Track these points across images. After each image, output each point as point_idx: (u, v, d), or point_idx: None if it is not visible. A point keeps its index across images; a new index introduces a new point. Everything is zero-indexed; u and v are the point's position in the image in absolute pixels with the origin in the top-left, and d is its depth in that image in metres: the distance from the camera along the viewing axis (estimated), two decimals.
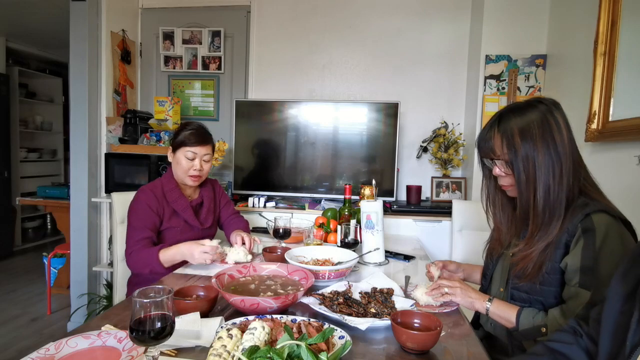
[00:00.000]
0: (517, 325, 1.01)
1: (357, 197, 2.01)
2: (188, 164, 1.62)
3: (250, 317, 0.93)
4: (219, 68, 3.03)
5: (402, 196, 2.73)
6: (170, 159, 1.69)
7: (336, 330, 0.88)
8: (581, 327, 0.78)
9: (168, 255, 1.47)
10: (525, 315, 1.00)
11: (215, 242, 1.46)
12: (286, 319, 0.93)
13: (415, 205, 2.55)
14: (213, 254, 1.43)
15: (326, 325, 0.90)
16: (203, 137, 1.65)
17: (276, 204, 2.62)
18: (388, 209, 2.47)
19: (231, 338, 0.79)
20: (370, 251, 1.55)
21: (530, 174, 0.99)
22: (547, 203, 0.98)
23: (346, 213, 1.94)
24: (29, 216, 5.04)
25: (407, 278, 1.29)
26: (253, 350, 0.72)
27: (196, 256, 1.42)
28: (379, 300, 1.09)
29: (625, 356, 0.60)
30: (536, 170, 0.98)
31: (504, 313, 1.04)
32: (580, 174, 1.01)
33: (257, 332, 0.79)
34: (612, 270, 0.90)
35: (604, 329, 0.68)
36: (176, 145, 1.64)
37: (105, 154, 2.71)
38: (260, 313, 0.97)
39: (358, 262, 1.51)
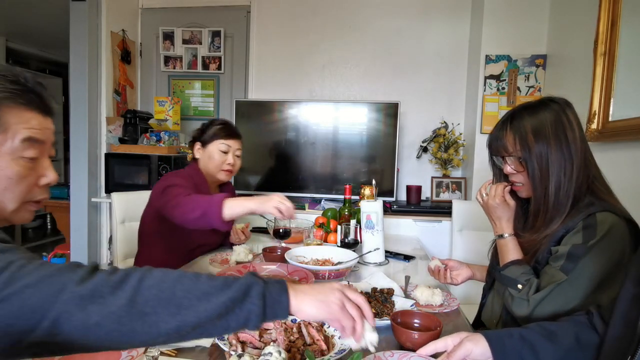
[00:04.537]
0: (504, 266, 1.05)
1: (357, 197, 2.00)
2: (221, 158, 1.61)
3: None
4: (219, 68, 3.03)
5: (402, 196, 2.73)
6: (198, 154, 1.65)
7: (336, 329, 0.88)
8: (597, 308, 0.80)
9: (235, 200, 1.31)
10: (518, 267, 1.03)
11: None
12: (286, 319, 0.93)
13: (415, 205, 2.55)
14: (291, 208, 1.32)
15: (326, 325, 0.90)
16: (235, 131, 1.66)
17: None
18: (388, 209, 2.47)
19: None
20: (370, 251, 1.55)
21: (543, 170, 1.00)
22: (557, 199, 1.00)
23: (346, 213, 1.94)
24: None
25: (407, 278, 1.29)
26: None
27: (275, 197, 1.30)
28: (379, 300, 1.09)
29: (635, 342, 0.61)
30: (549, 167, 1.00)
31: (510, 252, 1.07)
32: (590, 172, 1.02)
33: (273, 358, 0.71)
34: (598, 267, 0.91)
35: (617, 312, 0.69)
36: (208, 139, 1.61)
37: (105, 154, 2.71)
38: None
39: (358, 262, 1.51)
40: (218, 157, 1.60)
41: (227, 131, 1.62)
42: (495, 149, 1.10)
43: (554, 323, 0.80)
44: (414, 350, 0.86)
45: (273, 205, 1.29)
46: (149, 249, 1.61)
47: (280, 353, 0.72)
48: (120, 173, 2.67)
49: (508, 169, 1.08)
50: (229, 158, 1.62)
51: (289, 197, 2.65)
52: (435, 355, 0.78)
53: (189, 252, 1.60)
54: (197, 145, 1.65)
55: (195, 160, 1.67)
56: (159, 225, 1.54)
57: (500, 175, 1.15)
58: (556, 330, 0.78)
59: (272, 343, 0.82)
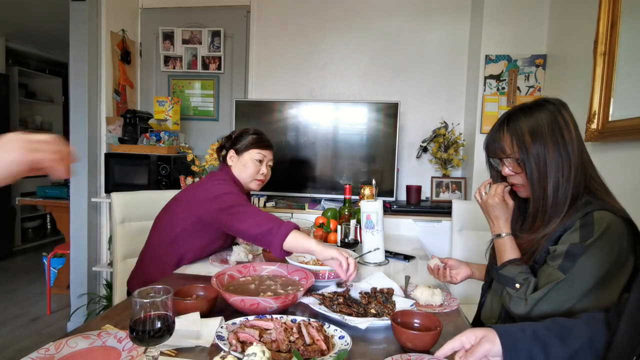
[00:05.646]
0: (501, 265, 1.06)
1: (357, 197, 2.01)
2: (256, 168, 1.63)
3: (250, 317, 0.93)
4: (218, 68, 3.03)
5: (402, 196, 2.73)
6: (230, 162, 1.65)
7: (336, 329, 0.88)
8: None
9: (301, 235, 1.24)
10: (516, 267, 1.03)
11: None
12: (286, 319, 0.93)
13: (415, 205, 2.55)
14: (353, 268, 1.17)
15: (326, 325, 0.90)
16: (270, 142, 1.69)
17: (276, 203, 2.62)
18: (388, 209, 2.47)
19: None
20: (370, 251, 1.55)
21: (541, 171, 1.01)
22: (555, 199, 1.00)
23: (346, 213, 1.94)
24: (29, 216, 5.03)
25: (407, 278, 1.29)
26: None
27: (344, 252, 1.18)
28: (379, 300, 1.09)
29: None
30: (547, 168, 1.00)
31: (507, 252, 1.08)
32: (587, 172, 1.02)
33: (257, 358, 0.70)
34: (596, 265, 0.91)
35: (624, 318, 0.68)
36: (243, 147, 1.63)
37: (105, 154, 2.71)
38: (260, 313, 0.97)
39: (358, 262, 1.51)
40: (252, 166, 1.62)
41: (264, 141, 1.66)
42: (493, 151, 1.11)
43: (571, 320, 0.79)
44: (415, 351, 0.86)
45: (333, 255, 1.17)
46: (158, 249, 1.58)
47: (264, 353, 0.71)
48: (120, 173, 2.67)
49: (506, 170, 1.08)
50: (262, 169, 1.64)
51: (289, 198, 2.68)
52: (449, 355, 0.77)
53: (197, 257, 1.58)
54: (231, 152, 1.65)
55: (226, 166, 1.65)
56: (188, 229, 1.50)
57: (497, 177, 1.16)
58: (572, 327, 0.76)
59: (272, 343, 0.82)
